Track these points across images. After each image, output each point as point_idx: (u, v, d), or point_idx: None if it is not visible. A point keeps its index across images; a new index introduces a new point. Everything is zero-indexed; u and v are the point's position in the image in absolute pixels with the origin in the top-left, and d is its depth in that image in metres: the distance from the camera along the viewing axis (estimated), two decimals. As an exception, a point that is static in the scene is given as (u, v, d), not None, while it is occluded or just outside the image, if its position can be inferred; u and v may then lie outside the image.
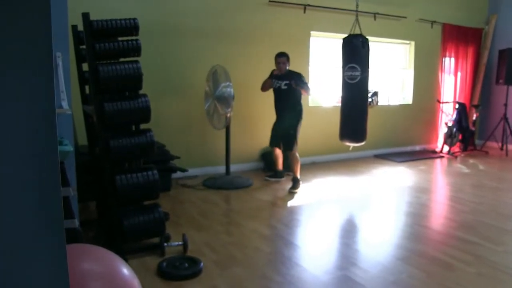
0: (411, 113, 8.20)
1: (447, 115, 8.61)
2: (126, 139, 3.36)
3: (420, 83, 8.25)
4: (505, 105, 8.35)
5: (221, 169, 5.85)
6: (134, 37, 3.41)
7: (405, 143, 8.29)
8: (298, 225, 4.22)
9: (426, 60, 8.26)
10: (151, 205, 3.57)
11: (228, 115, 5.18)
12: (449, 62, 8.54)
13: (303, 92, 5.28)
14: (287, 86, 5.25)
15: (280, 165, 5.87)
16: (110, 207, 3.47)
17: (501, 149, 8.57)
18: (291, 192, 5.26)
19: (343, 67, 5.42)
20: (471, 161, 7.56)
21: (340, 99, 7.05)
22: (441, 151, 8.18)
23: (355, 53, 5.34)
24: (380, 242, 3.75)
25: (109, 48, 3.31)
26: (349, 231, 4.15)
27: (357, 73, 5.30)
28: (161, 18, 5.62)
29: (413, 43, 8.06)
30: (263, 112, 6.43)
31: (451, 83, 8.65)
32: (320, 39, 7.16)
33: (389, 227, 4.19)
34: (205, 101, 5.58)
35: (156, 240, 3.53)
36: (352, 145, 5.56)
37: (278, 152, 5.72)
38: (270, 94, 5.64)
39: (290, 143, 5.36)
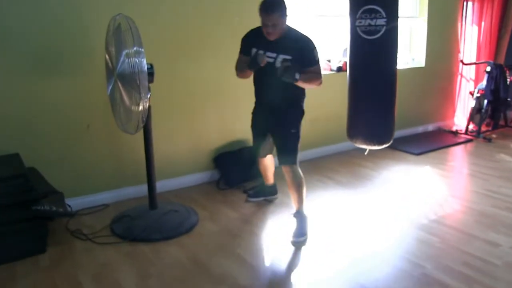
0: (424, 79, 5.87)
1: (468, 80, 6.34)
2: None
3: (435, 37, 5.88)
4: (548, 64, 6.15)
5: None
6: None
7: (416, 122, 6.01)
8: None
9: (442, 5, 5.88)
10: None
11: (141, 107, 2.69)
12: (471, 8, 6.18)
13: (307, 87, 2.96)
14: (288, 63, 2.80)
15: (271, 178, 3.61)
16: None
17: (540, 123, 6.43)
18: (296, 244, 2.94)
19: (353, 12, 2.99)
20: (514, 146, 5.39)
21: (345, 66, 4.70)
22: (465, 132, 5.94)
23: (377, -16, 2.93)
24: None
25: None
26: None
27: (381, 22, 2.88)
28: None
29: (427, -21, 5.67)
30: (213, 94, 4.01)
31: (474, 37, 6.32)
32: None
33: None
34: (107, 83, 3.07)
35: None
36: (369, 148, 3.19)
37: (269, 161, 3.45)
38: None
39: (291, 150, 3.05)
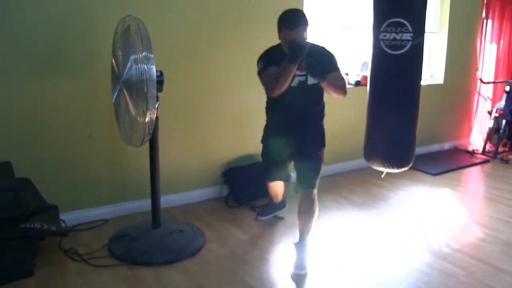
0: (442, 97, 5.64)
1: (485, 99, 6.12)
2: None
3: (455, 54, 5.67)
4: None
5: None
6: None
7: (432, 140, 5.77)
8: None
9: (463, 21, 5.68)
10: None
11: (148, 118, 2.49)
12: (491, 26, 5.97)
13: (334, 91, 2.66)
14: (316, 80, 2.63)
15: (280, 196, 3.41)
16: None
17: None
18: (298, 277, 2.64)
19: (377, 25, 2.78)
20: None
21: (364, 80, 4.50)
22: (482, 152, 5.71)
23: (404, -3, 2.74)
24: None
25: None
26: None
27: (407, 36, 2.69)
28: None
29: (448, -6, 5.47)
30: (225, 105, 3.83)
31: (492, 55, 6.09)
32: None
33: None
34: (112, 89, 2.88)
35: None
36: (387, 171, 2.96)
37: (281, 186, 3.28)
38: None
39: (314, 173, 2.78)
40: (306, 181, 2.76)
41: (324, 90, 2.75)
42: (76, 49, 3.11)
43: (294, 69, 2.49)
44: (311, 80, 2.64)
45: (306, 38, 2.58)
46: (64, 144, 3.18)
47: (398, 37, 2.70)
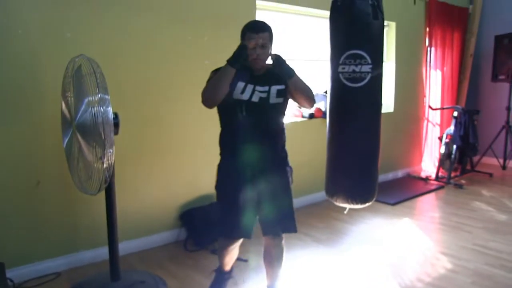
0: (394, 125, 5.74)
1: (434, 125, 6.29)
2: None
3: (403, 82, 5.84)
4: (508, 109, 6.23)
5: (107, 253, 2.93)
6: None
7: (386, 169, 5.81)
8: None
9: (409, 50, 5.89)
10: None
11: (105, 164, 2.31)
12: (434, 53, 6.19)
13: (302, 95, 2.45)
14: (282, 98, 2.44)
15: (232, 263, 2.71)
16: None
17: (503, 167, 6.44)
18: None
19: (335, 57, 2.74)
20: (486, 193, 5.27)
21: (318, 112, 4.49)
22: (436, 178, 5.82)
23: (361, 29, 2.69)
24: None
25: None
26: None
27: (367, 68, 2.64)
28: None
29: (393, 24, 5.62)
30: (179, 145, 3.69)
31: (438, 82, 6.31)
32: (275, 15, 4.45)
33: None
34: (63, 134, 2.68)
35: None
36: (350, 207, 2.85)
37: (237, 248, 2.58)
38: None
39: (291, 216, 2.50)
40: (289, 224, 2.47)
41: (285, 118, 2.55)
42: (18, 90, 2.89)
43: (231, 72, 2.23)
44: (273, 99, 2.38)
45: (271, 50, 2.38)
46: (8, 194, 2.91)
47: (357, 69, 2.66)
